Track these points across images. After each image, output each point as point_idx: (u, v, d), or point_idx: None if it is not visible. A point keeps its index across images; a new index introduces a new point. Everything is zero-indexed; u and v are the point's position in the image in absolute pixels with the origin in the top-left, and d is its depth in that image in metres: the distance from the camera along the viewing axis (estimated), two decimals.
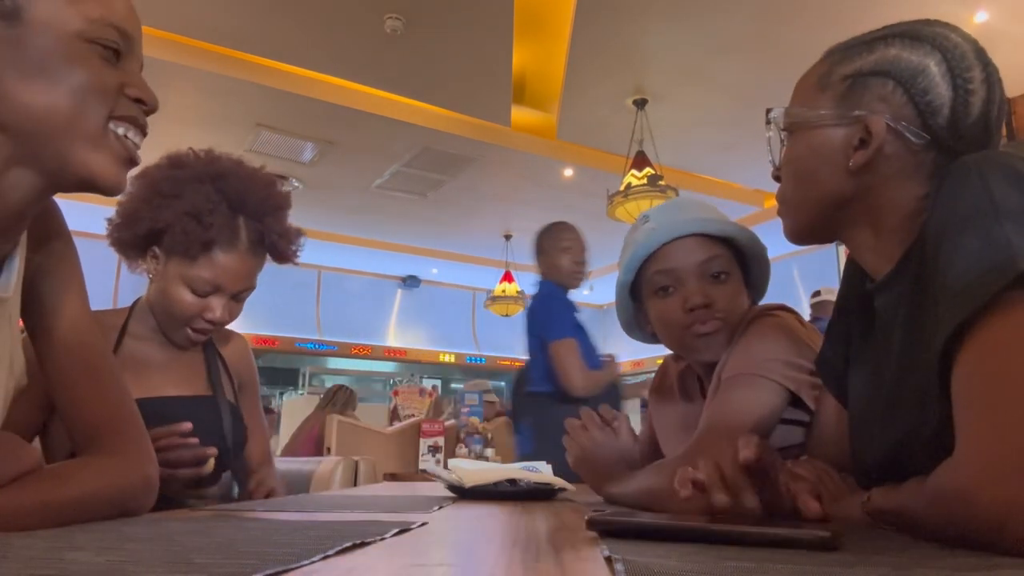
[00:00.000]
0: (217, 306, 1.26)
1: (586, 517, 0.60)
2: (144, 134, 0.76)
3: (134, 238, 1.26)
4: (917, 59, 0.75)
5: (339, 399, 4.84)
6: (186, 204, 1.23)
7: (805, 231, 0.85)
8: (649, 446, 1.42)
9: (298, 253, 1.38)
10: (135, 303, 1.35)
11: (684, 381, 1.36)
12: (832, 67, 0.80)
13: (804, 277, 8.27)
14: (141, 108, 0.75)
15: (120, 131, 0.73)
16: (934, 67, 0.74)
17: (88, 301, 0.86)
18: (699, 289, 1.16)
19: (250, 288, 1.31)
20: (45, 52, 0.69)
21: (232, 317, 1.30)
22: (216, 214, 1.23)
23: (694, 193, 6.53)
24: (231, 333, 1.48)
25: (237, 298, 1.30)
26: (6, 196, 0.70)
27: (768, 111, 0.85)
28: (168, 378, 1.30)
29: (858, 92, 0.77)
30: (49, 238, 0.82)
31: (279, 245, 1.33)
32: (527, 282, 9.28)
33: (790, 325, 1.14)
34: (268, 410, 6.33)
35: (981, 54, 0.76)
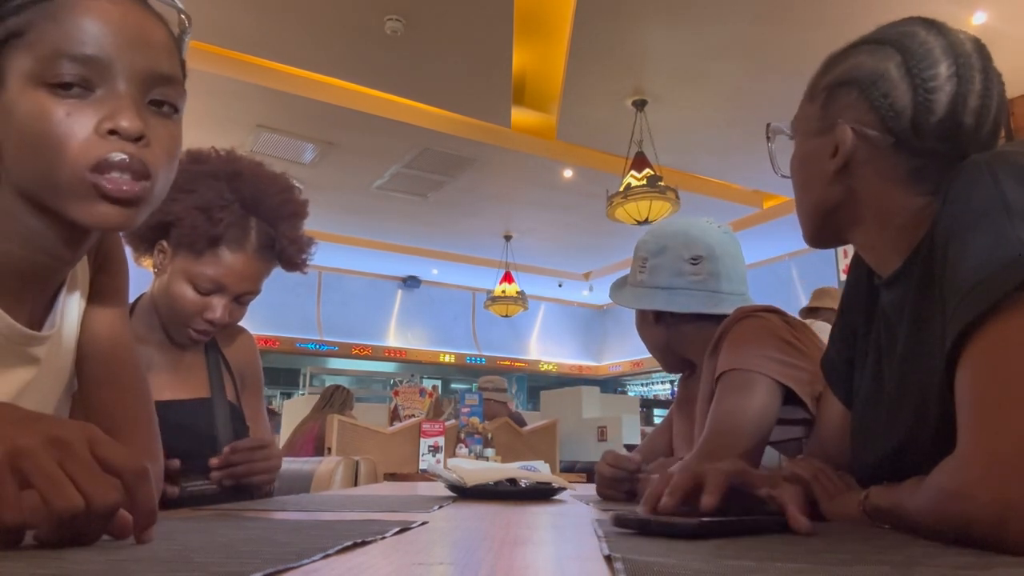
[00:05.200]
0: (218, 306, 1.23)
1: (611, 514, 0.60)
2: (134, 170, 0.66)
3: (144, 229, 1.24)
4: (875, 64, 0.75)
5: (336, 399, 4.82)
6: (197, 199, 1.22)
7: (815, 236, 0.87)
8: (664, 435, 1.42)
9: (308, 262, 1.35)
10: (137, 301, 1.33)
11: None
12: (819, 77, 0.83)
13: (803, 277, 8.24)
14: (120, 140, 0.65)
15: (102, 182, 0.65)
16: (893, 70, 0.74)
17: (127, 318, 0.88)
18: None
19: (254, 292, 1.29)
20: (17, 112, 0.64)
21: (233, 320, 1.28)
22: (227, 211, 1.23)
23: (692, 194, 6.53)
24: (236, 328, 1.46)
25: (240, 301, 1.27)
26: (33, 241, 0.70)
27: (768, 126, 0.90)
28: (167, 381, 1.29)
29: (833, 101, 0.79)
30: (108, 259, 0.85)
31: (288, 251, 1.31)
32: (527, 282, 9.29)
33: (775, 326, 1.15)
34: (271, 411, 6.28)
35: (950, 49, 0.72)
